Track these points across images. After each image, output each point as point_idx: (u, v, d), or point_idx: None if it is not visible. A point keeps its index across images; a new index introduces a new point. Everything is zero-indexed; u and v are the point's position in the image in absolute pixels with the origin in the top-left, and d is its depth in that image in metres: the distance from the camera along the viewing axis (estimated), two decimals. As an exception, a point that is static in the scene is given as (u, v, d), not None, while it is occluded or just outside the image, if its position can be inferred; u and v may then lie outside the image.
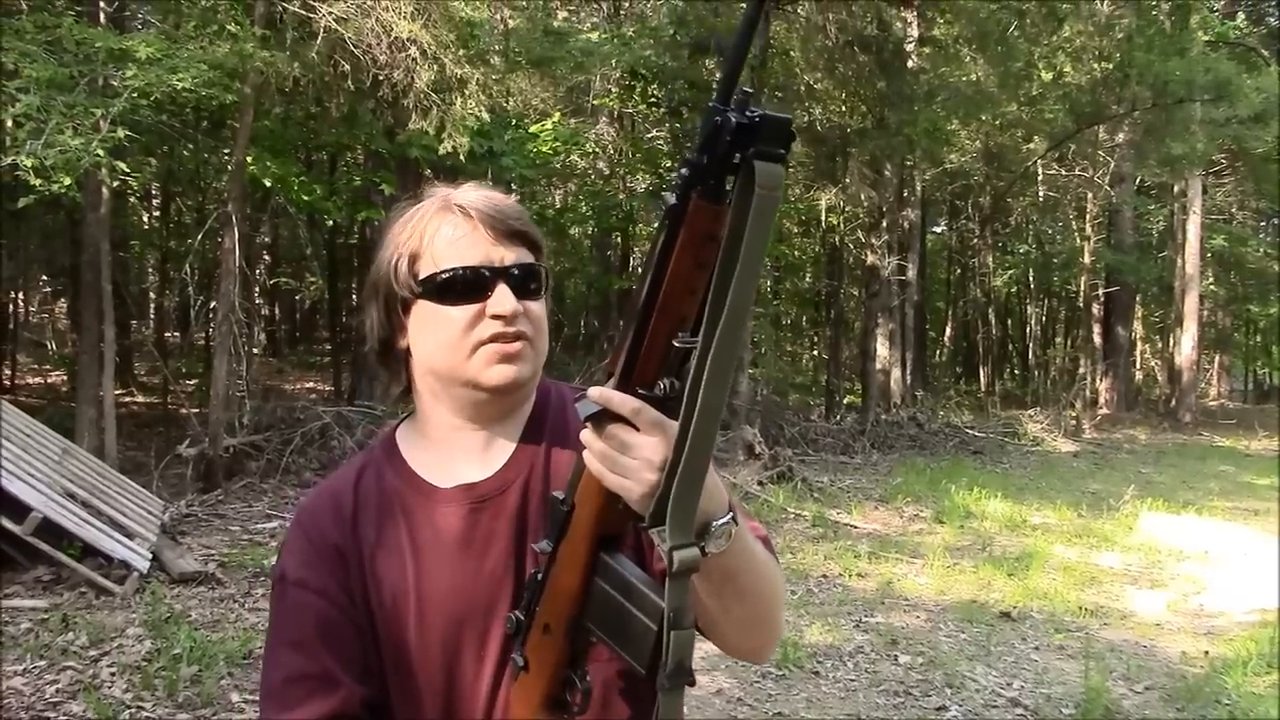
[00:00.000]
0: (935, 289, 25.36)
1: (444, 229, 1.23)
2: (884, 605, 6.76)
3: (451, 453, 1.28)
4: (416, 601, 1.22)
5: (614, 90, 16.11)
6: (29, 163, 6.70)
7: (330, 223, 15.37)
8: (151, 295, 22.05)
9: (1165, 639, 6.37)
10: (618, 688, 1.21)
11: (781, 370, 19.01)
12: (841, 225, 17.77)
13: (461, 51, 9.09)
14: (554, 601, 1.11)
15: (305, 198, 11.69)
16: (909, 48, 16.55)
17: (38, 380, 16.04)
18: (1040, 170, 22.60)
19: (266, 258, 18.97)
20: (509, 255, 1.23)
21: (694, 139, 0.94)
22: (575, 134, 14.55)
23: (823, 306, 21.95)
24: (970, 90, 16.36)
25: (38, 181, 6.81)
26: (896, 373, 17.69)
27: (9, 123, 7.77)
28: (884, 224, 16.99)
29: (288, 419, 10.19)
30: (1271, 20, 26.14)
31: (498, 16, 12.58)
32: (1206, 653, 6.05)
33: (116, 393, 10.24)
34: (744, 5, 0.92)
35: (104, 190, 9.21)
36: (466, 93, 9.07)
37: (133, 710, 4.42)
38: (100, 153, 7.00)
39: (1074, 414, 18.71)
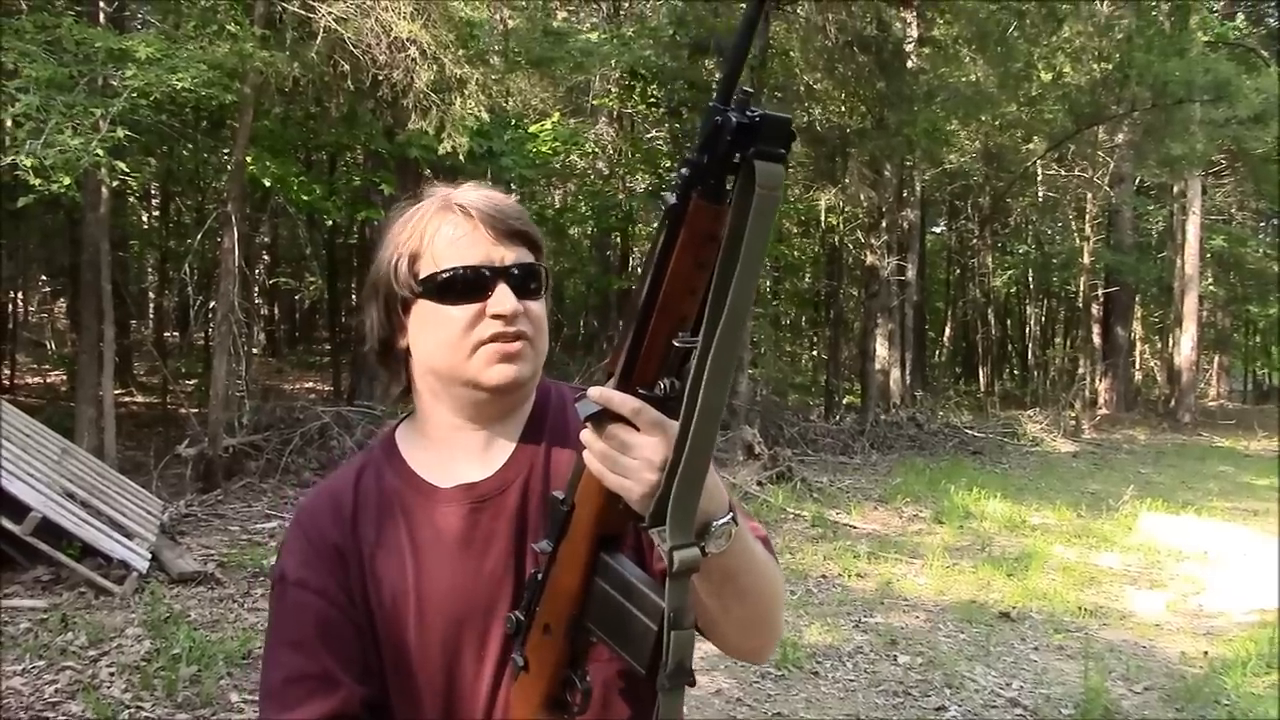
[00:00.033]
0: (935, 289, 25.37)
1: (444, 228, 1.23)
2: (883, 605, 6.76)
3: (451, 452, 1.28)
4: (416, 601, 1.22)
5: (613, 90, 16.11)
6: (28, 162, 6.70)
7: (330, 223, 15.37)
8: (151, 295, 22.05)
9: (1164, 639, 6.37)
10: (617, 688, 1.21)
11: (781, 370, 19.01)
12: (841, 225, 17.78)
13: (461, 51, 9.09)
14: (554, 601, 1.10)
15: (305, 197, 11.69)
16: (909, 48, 16.56)
17: (37, 380, 16.05)
18: (1040, 170, 22.61)
19: (266, 258, 18.97)
20: (509, 255, 1.23)
21: (694, 139, 0.95)
22: (575, 134, 14.55)
23: (822, 307, 21.95)
24: (970, 90, 16.36)
25: (37, 181, 6.81)
26: (896, 373, 17.70)
27: (9, 122, 7.77)
28: (883, 224, 16.99)
29: (287, 419, 10.19)
30: (1271, 21, 26.16)
31: (497, 16, 12.58)
32: (1206, 653, 6.05)
33: (116, 392, 10.24)
34: (743, 5, 0.92)
35: (103, 190, 9.21)
36: (466, 93, 9.07)
37: (132, 710, 4.42)
38: (100, 152, 7.00)
39: (1073, 414, 18.71)
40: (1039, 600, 7.00)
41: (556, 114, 14.07)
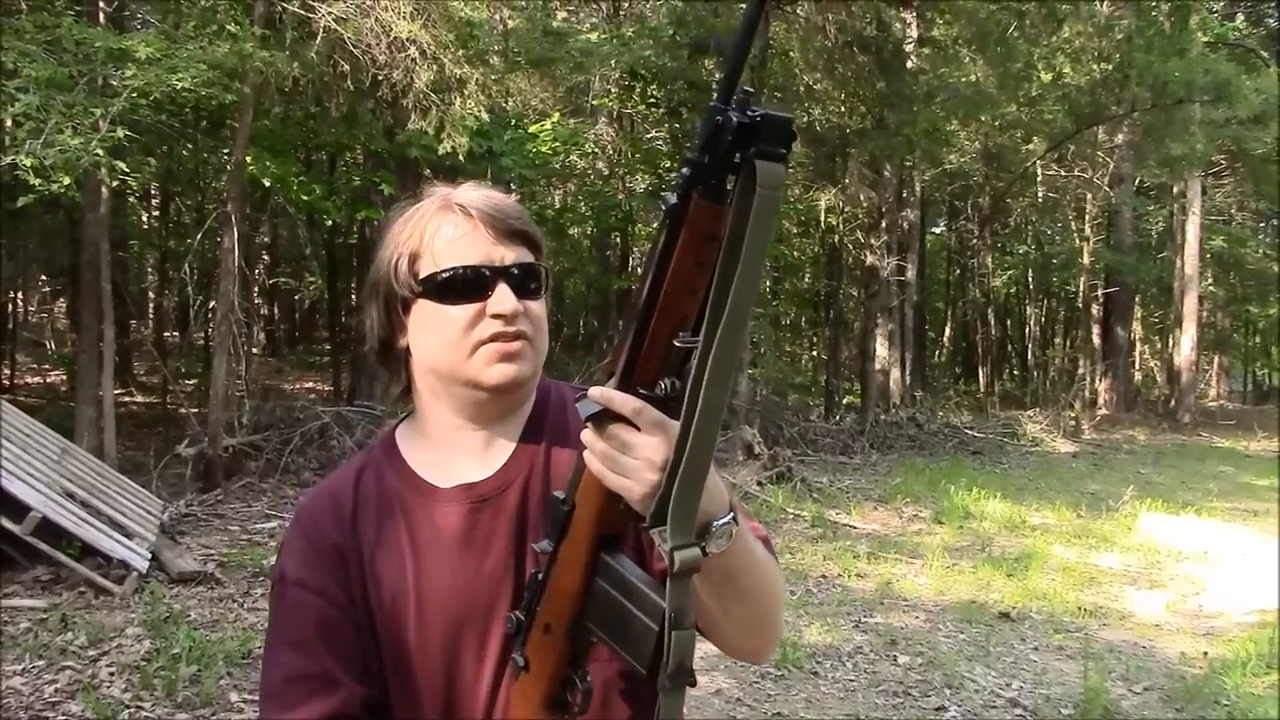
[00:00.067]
0: (934, 289, 25.37)
1: (444, 228, 1.23)
2: (883, 605, 6.76)
3: (451, 452, 1.28)
4: (416, 601, 1.22)
5: (613, 90, 16.11)
6: (28, 162, 6.70)
7: (330, 222, 15.37)
8: (151, 295, 22.04)
9: (1164, 639, 6.37)
10: (618, 688, 1.21)
11: (781, 370, 19.01)
12: (841, 225, 17.77)
13: (461, 51, 9.09)
14: (555, 601, 1.10)
15: (305, 197, 11.69)
16: (908, 48, 16.56)
17: (37, 380, 16.05)
18: (1039, 171, 22.62)
19: (266, 257, 18.97)
20: (509, 254, 1.23)
21: (693, 139, 0.95)
22: (574, 134, 14.55)
23: (822, 307, 21.95)
24: (970, 91, 16.36)
25: (37, 181, 6.80)
26: (896, 373, 17.70)
27: (9, 122, 7.77)
28: (883, 224, 16.99)
29: (287, 419, 10.19)
30: (1271, 21, 26.14)
31: (497, 17, 12.59)
32: (1205, 653, 6.05)
33: (116, 392, 10.23)
34: (743, 5, 0.92)
35: (103, 190, 9.21)
36: (466, 93, 9.07)
37: (131, 710, 4.42)
38: (100, 152, 7.00)
39: (1073, 414, 18.71)
40: (1039, 600, 7.00)
41: (556, 114, 14.07)
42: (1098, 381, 22.18)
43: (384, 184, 11.07)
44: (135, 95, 7.29)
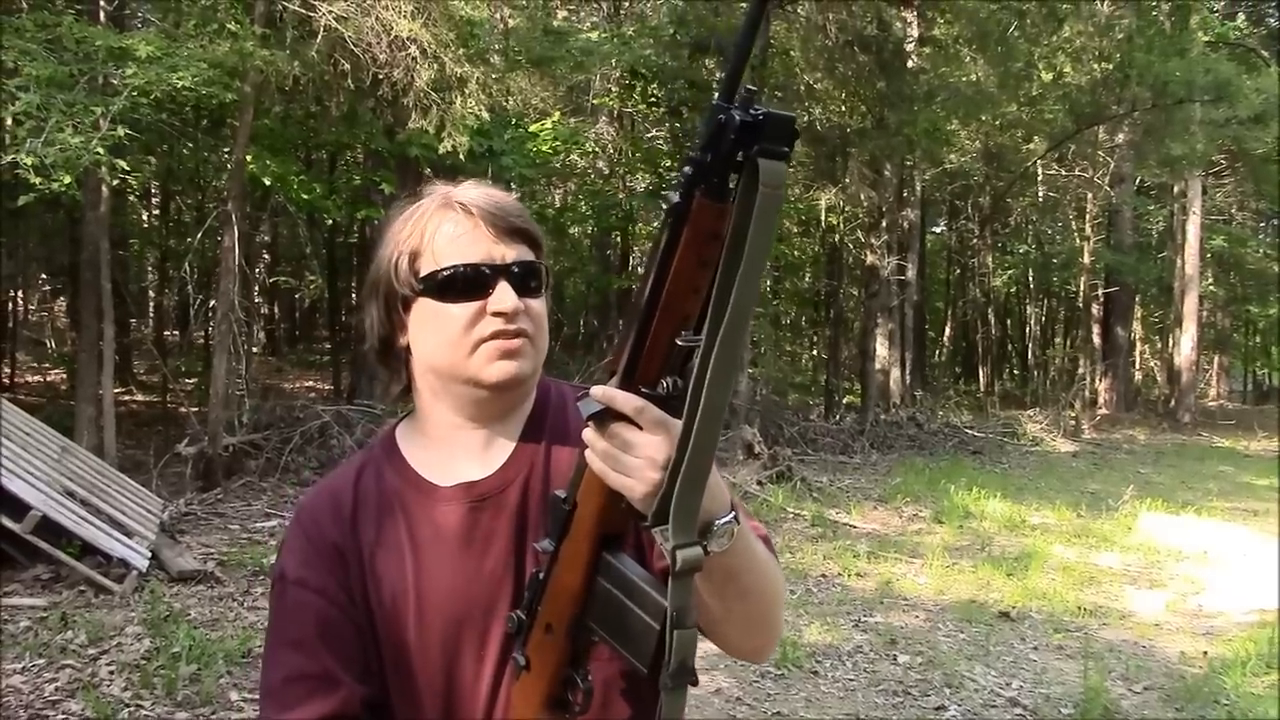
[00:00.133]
0: (935, 289, 25.37)
1: (445, 226, 1.23)
2: (883, 605, 6.76)
3: (451, 451, 1.27)
4: (416, 601, 1.22)
5: (614, 90, 16.12)
6: (29, 161, 6.70)
7: (330, 222, 15.36)
8: (151, 294, 22.05)
9: (1164, 639, 6.38)
10: (618, 687, 1.21)
11: (781, 370, 19.01)
12: (841, 225, 17.77)
13: (461, 50, 9.08)
14: (556, 601, 1.10)
15: (305, 196, 11.69)
16: (909, 48, 16.56)
17: (37, 378, 16.04)
18: (1040, 170, 22.62)
19: (266, 256, 18.98)
20: (510, 253, 1.22)
21: (694, 138, 0.94)
22: (575, 133, 14.54)
23: (822, 306, 21.95)
24: (970, 90, 16.36)
25: (37, 180, 6.80)
26: (896, 372, 17.69)
27: (9, 121, 7.76)
28: (883, 224, 16.99)
29: (287, 418, 10.19)
30: (1271, 21, 26.16)
31: (497, 16, 12.57)
32: (1205, 653, 6.05)
33: (116, 391, 10.23)
34: (744, 5, 0.92)
35: (104, 189, 9.21)
36: (466, 92, 9.07)
37: (131, 709, 4.42)
38: (100, 151, 6.99)
39: (1073, 414, 18.71)
40: (1039, 600, 7.00)
41: (557, 113, 14.06)
42: (1098, 381, 22.18)
43: (384, 183, 11.06)
44: (136, 94, 7.29)
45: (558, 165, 15.31)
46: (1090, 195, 21.67)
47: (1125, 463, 15.09)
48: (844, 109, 16.45)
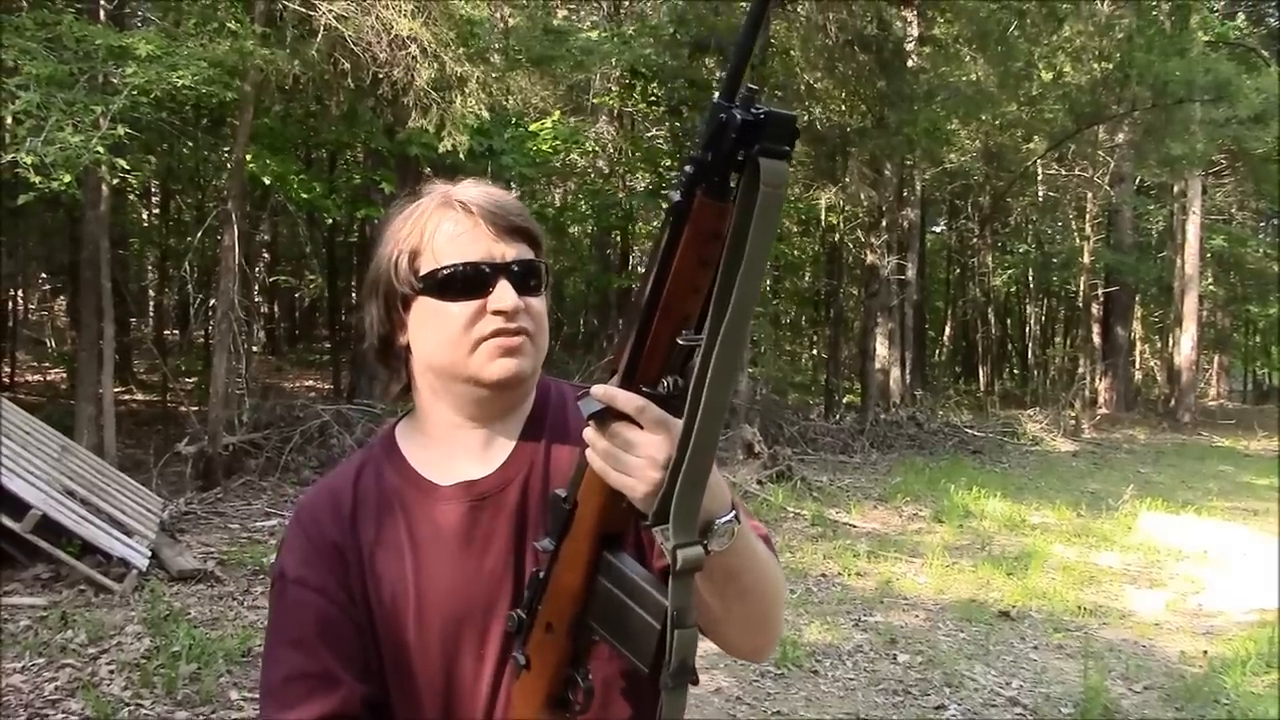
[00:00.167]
0: (934, 288, 25.37)
1: (445, 225, 1.23)
2: (883, 604, 6.76)
3: (451, 450, 1.27)
4: (416, 599, 1.22)
5: (614, 89, 16.12)
6: (29, 160, 6.70)
7: (330, 221, 15.36)
8: (151, 293, 22.03)
9: (1164, 639, 6.38)
10: (618, 686, 1.21)
11: (781, 369, 19.01)
12: (841, 224, 17.78)
13: (461, 50, 9.07)
14: (556, 600, 1.10)
15: (305, 195, 11.68)
16: (909, 47, 16.55)
17: (37, 378, 16.04)
18: (1040, 170, 22.61)
19: (266, 256, 18.97)
20: (510, 251, 1.22)
21: (694, 138, 0.94)
22: (575, 132, 14.54)
23: (822, 306, 21.95)
24: (970, 90, 16.36)
25: (38, 179, 6.80)
26: (896, 372, 17.69)
27: (9, 120, 7.76)
28: (883, 223, 16.99)
29: (287, 417, 10.19)
30: (1271, 20, 26.16)
31: (498, 15, 12.57)
32: (1205, 652, 6.06)
33: (116, 390, 10.23)
34: (744, 4, 0.92)
35: (104, 188, 9.20)
36: (466, 91, 9.06)
37: (131, 708, 4.42)
38: (100, 150, 6.99)
39: (1073, 414, 18.71)
40: (1038, 599, 7.00)
41: (557, 112, 14.05)
42: (1098, 381, 22.18)
43: (384, 182, 11.06)
44: (136, 93, 7.29)
45: (558, 164, 15.30)
46: (1090, 195, 21.66)
47: (1125, 462, 15.09)
48: (844, 108, 16.45)
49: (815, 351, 25.91)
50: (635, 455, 0.98)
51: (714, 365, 0.91)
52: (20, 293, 18.72)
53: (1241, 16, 24.49)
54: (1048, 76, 18.33)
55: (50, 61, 7.07)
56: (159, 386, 13.96)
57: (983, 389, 24.34)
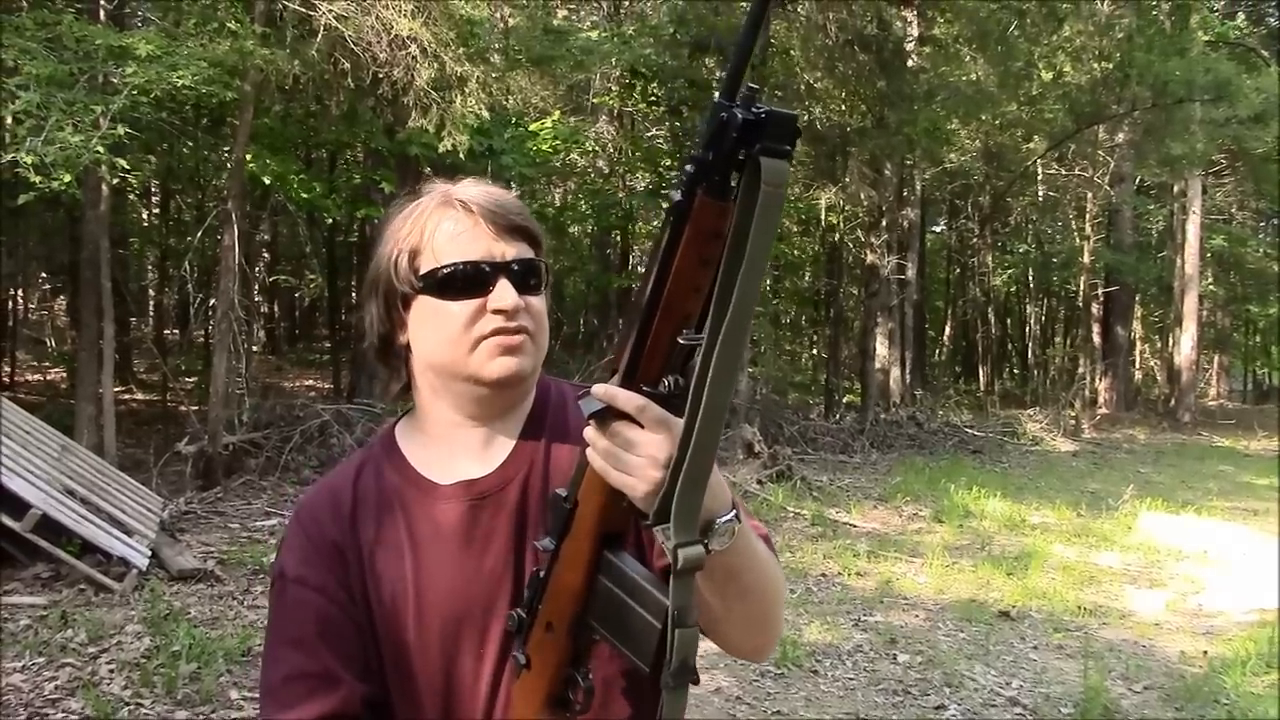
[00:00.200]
0: (934, 288, 25.37)
1: (445, 224, 1.23)
2: (883, 604, 6.76)
3: (451, 449, 1.27)
4: (416, 599, 1.22)
5: (614, 89, 16.12)
6: (29, 160, 6.69)
7: (330, 220, 15.35)
8: (151, 292, 22.03)
9: (1164, 638, 6.38)
10: (619, 686, 1.21)
11: (781, 369, 19.01)
12: (841, 224, 17.77)
13: (461, 49, 9.07)
14: (557, 599, 1.10)
15: (305, 195, 11.68)
16: (909, 47, 16.55)
17: (37, 377, 16.04)
18: (1040, 170, 22.61)
19: (266, 255, 18.97)
20: (510, 250, 1.22)
21: (694, 137, 0.94)
22: (575, 132, 14.54)
23: (822, 305, 21.95)
24: (970, 90, 16.36)
25: (38, 178, 6.79)
26: (896, 372, 17.69)
27: (9, 120, 7.76)
28: (883, 223, 16.99)
29: (287, 416, 10.19)
30: (1271, 20, 26.16)
31: (498, 15, 12.57)
32: (1205, 652, 6.06)
33: (116, 390, 10.23)
34: (744, 4, 0.92)
35: (104, 187, 9.20)
36: (466, 91, 9.06)
37: (131, 707, 4.42)
38: (100, 150, 6.98)
39: (1073, 413, 18.71)
40: (1038, 599, 7.00)
41: (557, 112, 14.05)
42: (1098, 381, 22.17)
43: (384, 182, 11.05)
44: (136, 93, 7.28)
45: (558, 164, 15.30)
46: (1090, 195, 21.66)
47: (1125, 462, 15.09)
48: (844, 108, 16.44)
49: (815, 351, 25.91)
50: (636, 454, 0.98)
51: (715, 364, 0.91)
52: (20, 292, 18.72)
53: (1241, 16, 24.49)
54: (1048, 76, 18.33)
55: (50, 61, 7.07)
56: (159, 386, 13.96)
57: (983, 389, 24.34)
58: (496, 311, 1.19)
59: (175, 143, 11.59)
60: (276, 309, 23.35)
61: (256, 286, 14.45)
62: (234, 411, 9.52)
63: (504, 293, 1.19)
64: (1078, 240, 23.22)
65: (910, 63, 16.43)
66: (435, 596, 1.22)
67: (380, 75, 8.86)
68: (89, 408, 9.02)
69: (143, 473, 8.40)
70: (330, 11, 8.36)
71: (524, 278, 1.22)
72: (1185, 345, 22.04)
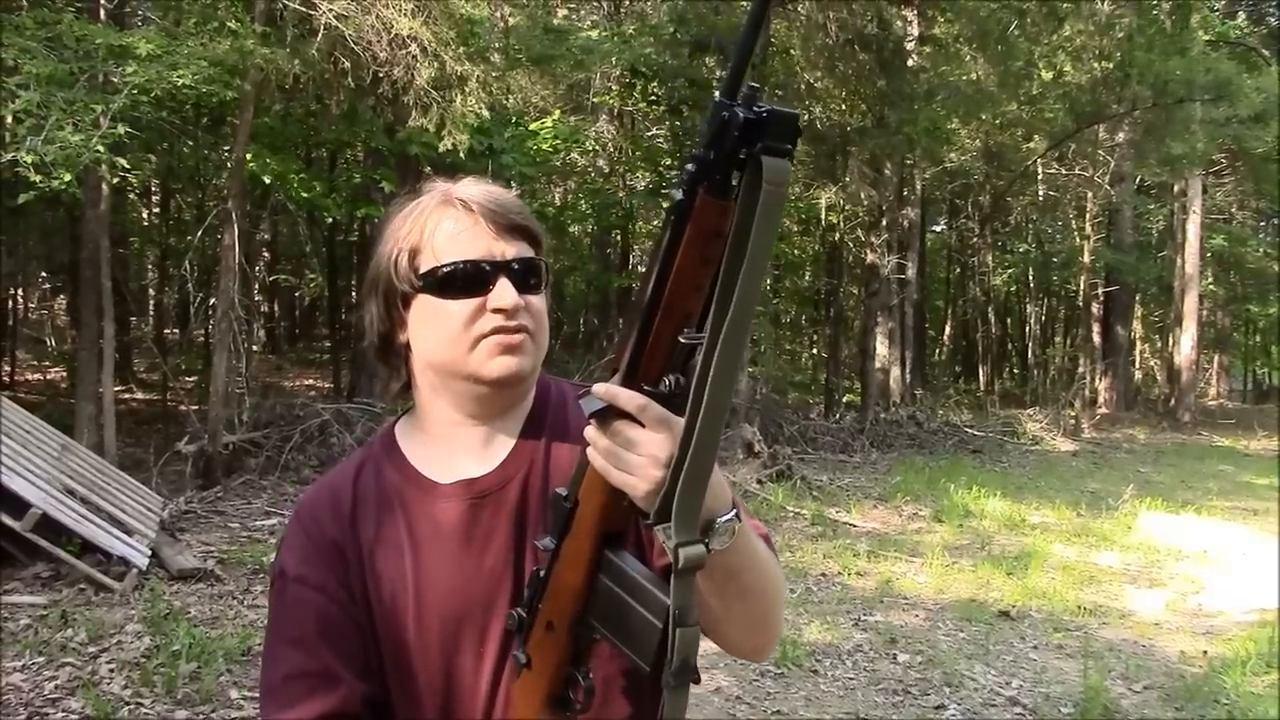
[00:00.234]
0: (935, 288, 25.36)
1: (445, 223, 1.23)
2: (883, 604, 6.76)
3: (451, 448, 1.27)
4: (415, 598, 1.22)
5: (614, 88, 16.12)
6: (29, 159, 6.69)
7: (330, 220, 15.34)
8: (151, 292, 22.02)
9: (1164, 638, 6.38)
10: (619, 685, 1.21)
11: (781, 368, 19.01)
12: (841, 224, 17.77)
13: (461, 49, 9.07)
14: (557, 599, 1.10)
15: (305, 195, 11.68)
16: (909, 46, 16.54)
17: (37, 377, 16.04)
18: (1040, 169, 22.61)
19: (266, 255, 18.96)
20: (510, 249, 1.22)
21: (694, 137, 0.94)
22: (575, 132, 14.53)
23: (822, 305, 21.95)
24: (970, 89, 16.36)
25: (38, 178, 6.80)
26: (896, 371, 17.69)
27: (9, 119, 7.76)
28: (884, 223, 16.99)
29: (287, 416, 10.19)
30: (1271, 20, 26.15)
31: (498, 14, 12.56)
32: (1205, 652, 6.05)
33: (116, 389, 10.23)
34: (744, 3, 0.92)
35: (104, 187, 9.20)
36: (466, 90, 9.06)
37: (131, 707, 4.42)
38: (100, 149, 6.99)
39: (1073, 413, 18.71)
40: (1038, 599, 7.00)
41: (557, 111, 14.05)
42: (1098, 380, 22.17)
43: (384, 181, 11.05)
44: (136, 92, 7.29)
45: (558, 164, 15.30)
46: (1090, 194, 21.65)
47: (1125, 462, 15.09)
48: (844, 107, 16.44)
49: (815, 351, 25.91)
50: (637, 454, 0.98)
51: (716, 364, 0.91)
52: (20, 291, 18.72)
53: (1242, 16, 24.50)
54: (1048, 76, 18.33)
55: (50, 61, 7.07)
56: (159, 385, 13.96)
57: (983, 388, 24.34)
58: (496, 310, 1.19)
59: (175, 142, 11.59)
60: (276, 308, 23.35)
61: (256, 286, 14.45)
62: (234, 411, 9.52)
63: (504, 292, 1.19)
64: (1078, 240, 23.22)
65: (910, 62, 16.43)
66: (435, 595, 1.22)
67: (380, 74, 8.86)
68: (89, 407, 9.02)
69: (143, 472, 8.40)
70: (330, 11, 8.36)
71: (524, 277, 1.22)
72: (1185, 345, 22.04)
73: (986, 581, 7.45)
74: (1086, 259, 21.49)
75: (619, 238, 18.73)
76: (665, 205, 0.95)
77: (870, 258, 17.14)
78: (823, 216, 17.15)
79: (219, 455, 8.95)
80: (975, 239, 24.40)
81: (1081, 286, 22.14)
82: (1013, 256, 26.61)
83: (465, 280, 1.20)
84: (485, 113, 9.41)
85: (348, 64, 8.89)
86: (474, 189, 1.26)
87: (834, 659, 5.62)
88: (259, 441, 9.48)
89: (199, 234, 10.93)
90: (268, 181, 11.04)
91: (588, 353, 15.81)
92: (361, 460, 1.32)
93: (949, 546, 8.49)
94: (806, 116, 15.65)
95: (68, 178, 6.86)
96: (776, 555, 1.23)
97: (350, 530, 1.25)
